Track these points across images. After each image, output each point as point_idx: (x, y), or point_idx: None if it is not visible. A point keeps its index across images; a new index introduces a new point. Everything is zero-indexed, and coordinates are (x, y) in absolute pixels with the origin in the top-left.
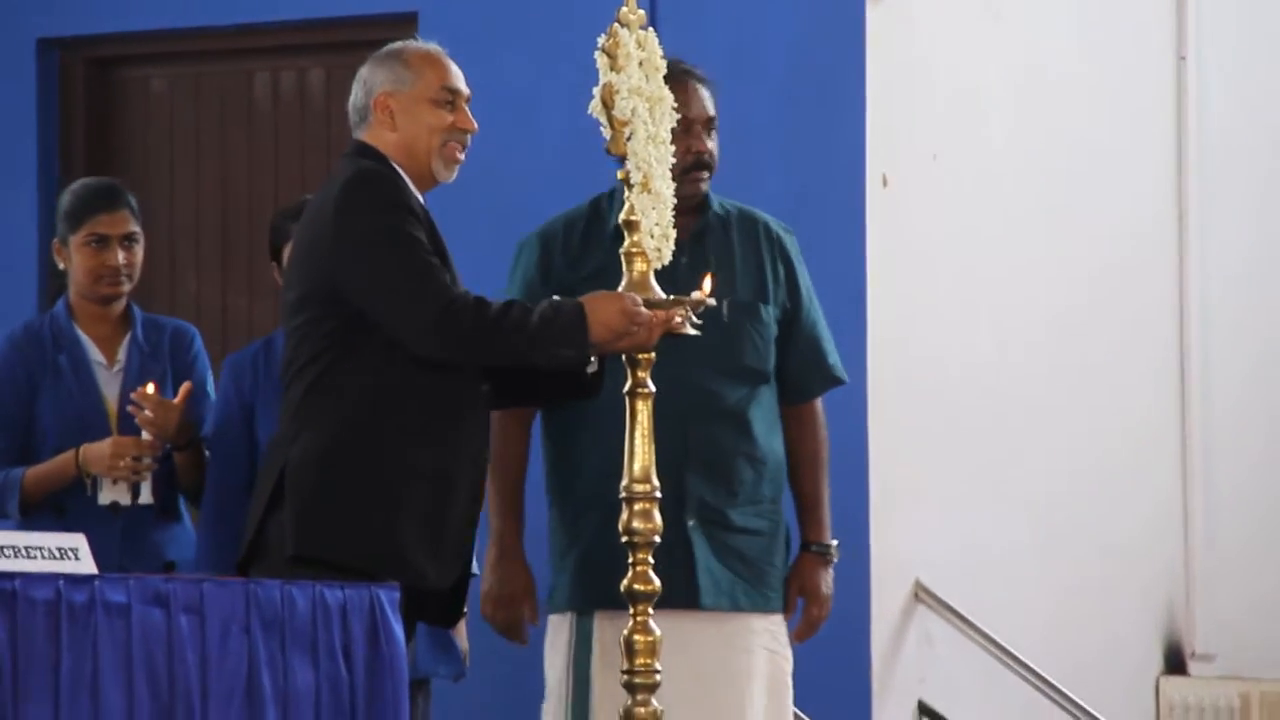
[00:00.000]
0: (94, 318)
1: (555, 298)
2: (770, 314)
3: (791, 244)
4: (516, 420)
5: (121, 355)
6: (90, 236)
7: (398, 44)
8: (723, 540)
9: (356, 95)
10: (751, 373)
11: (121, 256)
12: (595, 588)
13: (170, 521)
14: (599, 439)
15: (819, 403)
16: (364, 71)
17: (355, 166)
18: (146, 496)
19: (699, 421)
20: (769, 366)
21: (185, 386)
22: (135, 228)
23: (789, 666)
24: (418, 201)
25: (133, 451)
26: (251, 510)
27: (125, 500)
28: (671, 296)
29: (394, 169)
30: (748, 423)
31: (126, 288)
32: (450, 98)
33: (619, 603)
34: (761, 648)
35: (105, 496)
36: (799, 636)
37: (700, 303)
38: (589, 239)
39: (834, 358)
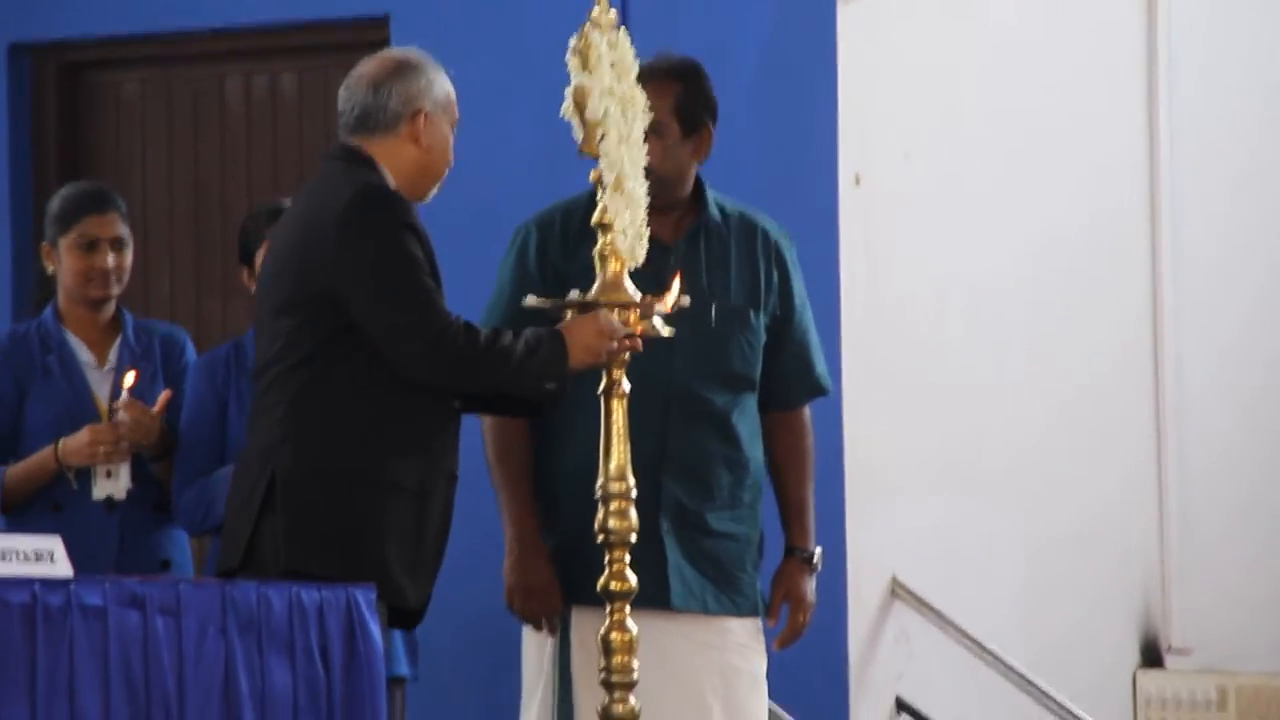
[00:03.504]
0: (83, 322)
1: (536, 329)
2: (760, 321)
3: (789, 250)
4: None
5: (112, 356)
6: (80, 239)
7: (417, 55)
8: (697, 543)
9: (383, 100)
10: (738, 378)
11: (111, 259)
12: (572, 584)
13: (167, 521)
14: (579, 436)
15: (806, 410)
16: (385, 77)
17: (361, 180)
18: (126, 480)
19: (679, 424)
20: (755, 373)
21: (165, 394)
22: (124, 231)
23: (763, 667)
24: (420, 220)
25: (110, 437)
26: (239, 516)
27: (120, 494)
28: (644, 296)
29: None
30: (731, 428)
31: (115, 290)
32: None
33: (596, 599)
34: (736, 647)
35: (99, 491)
36: (782, 642)
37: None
38: (586, 228)
39: (821, 367)
